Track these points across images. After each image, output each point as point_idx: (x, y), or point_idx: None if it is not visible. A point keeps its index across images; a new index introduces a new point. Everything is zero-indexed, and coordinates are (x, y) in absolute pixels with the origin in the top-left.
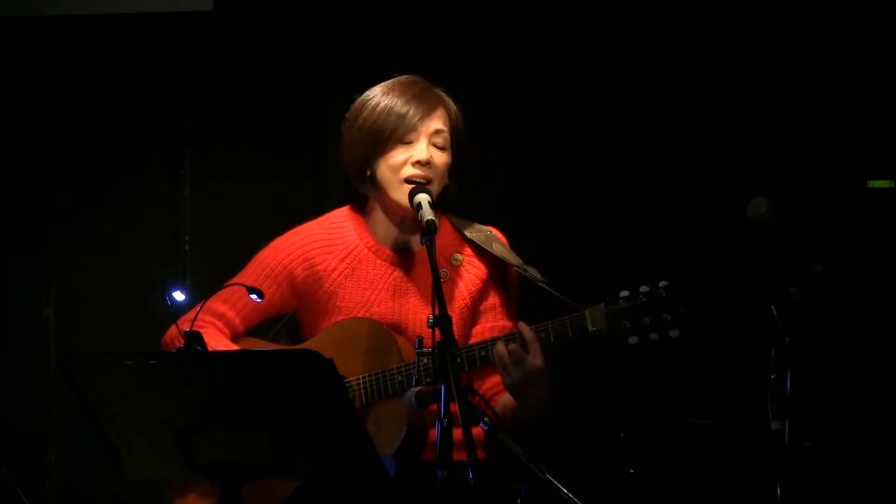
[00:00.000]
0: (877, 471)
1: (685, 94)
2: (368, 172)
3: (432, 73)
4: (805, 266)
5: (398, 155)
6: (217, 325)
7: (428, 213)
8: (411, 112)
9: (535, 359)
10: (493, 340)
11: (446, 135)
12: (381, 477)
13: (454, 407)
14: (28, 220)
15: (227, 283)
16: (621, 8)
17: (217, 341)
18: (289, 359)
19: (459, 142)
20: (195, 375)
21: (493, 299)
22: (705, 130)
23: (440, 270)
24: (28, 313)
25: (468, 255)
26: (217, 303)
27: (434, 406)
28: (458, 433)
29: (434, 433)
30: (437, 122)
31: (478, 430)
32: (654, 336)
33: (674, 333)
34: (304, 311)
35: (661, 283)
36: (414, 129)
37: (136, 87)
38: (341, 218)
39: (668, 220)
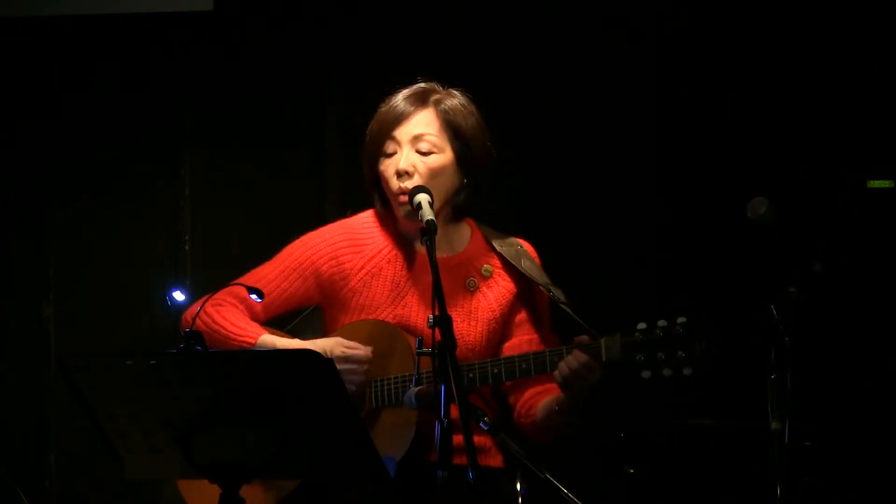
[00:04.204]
0: (877, 471)
1: (685, 95)
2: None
3: (432, 74)
4: (805, 266)
5: (385, 168)
6: (239, 307)
7: (428, 213)
8: (388, 122)
9: (595, 374)
10: (538, 354)
11: (432, 137)
12: (381, 477)
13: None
14: (28, 220)
15: (236, 280)
16: (621, 9)
17: (237, 318)
18: (289, 359)
19: (461, 140)
20: (195, 375)
21: (525, 313)
22: (705, 130)
23: (468, 279)
24: (28, 313)
25: (498, 268)
26: (242, 288)
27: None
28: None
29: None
30: (416, 128)
31: (485, 440)
32: (667, 372)
33: (687, 371)
34: (328, 306)
35: (680, 319)
36: (390, 138)
37: (136, 87)
38: (371, 220)
39: (668, 221)
